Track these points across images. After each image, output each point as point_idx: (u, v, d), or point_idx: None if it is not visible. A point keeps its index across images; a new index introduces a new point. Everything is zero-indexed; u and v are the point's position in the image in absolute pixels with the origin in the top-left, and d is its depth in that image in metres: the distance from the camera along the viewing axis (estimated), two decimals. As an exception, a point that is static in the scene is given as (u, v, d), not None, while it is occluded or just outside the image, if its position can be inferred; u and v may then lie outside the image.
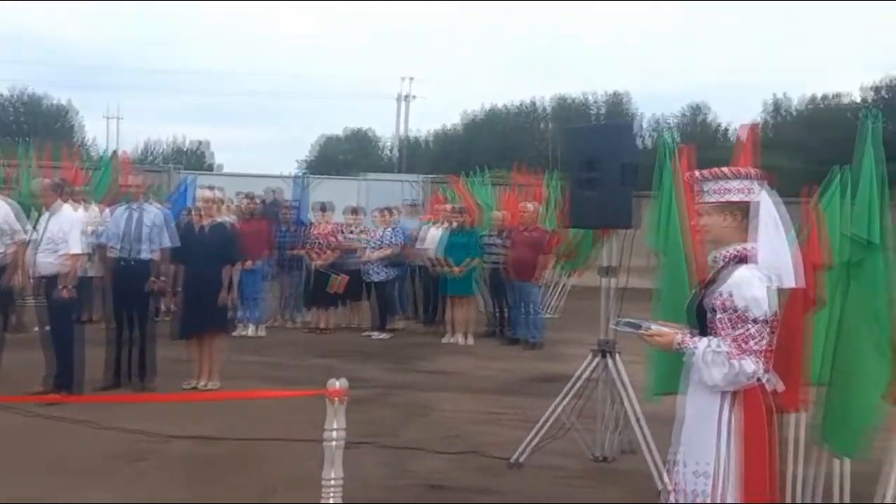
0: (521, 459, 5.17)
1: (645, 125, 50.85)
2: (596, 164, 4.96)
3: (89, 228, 9.35)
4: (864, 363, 3.46)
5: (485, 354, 9.28)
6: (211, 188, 7.20)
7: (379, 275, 10.14)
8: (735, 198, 2.80)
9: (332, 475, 3.28)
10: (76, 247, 6.34)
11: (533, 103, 54.04)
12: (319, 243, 10.24)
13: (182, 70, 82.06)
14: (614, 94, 52.37)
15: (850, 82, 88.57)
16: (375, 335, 10.09)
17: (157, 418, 5.67)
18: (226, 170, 36.60)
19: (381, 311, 10.30)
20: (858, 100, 45.03)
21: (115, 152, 13.19)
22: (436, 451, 5.44)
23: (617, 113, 49.72)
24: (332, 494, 3.29)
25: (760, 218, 2.72)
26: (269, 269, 10.55)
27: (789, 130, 37.97)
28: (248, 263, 8.82)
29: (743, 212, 2.79)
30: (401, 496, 4.63)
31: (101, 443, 5.31)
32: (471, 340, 9.89)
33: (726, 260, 2.82)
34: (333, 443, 3.30)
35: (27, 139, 26.76)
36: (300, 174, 21.70)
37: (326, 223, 10.50)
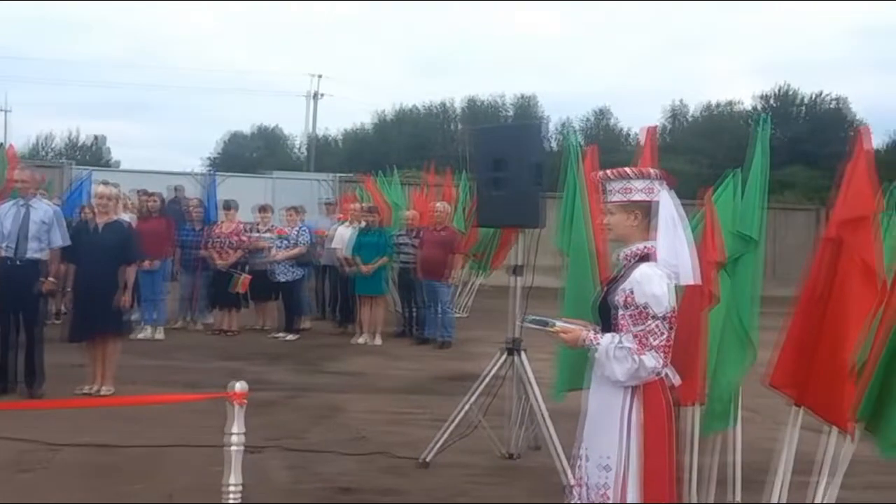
0: (430, 458, 5.16)
1: (552, 128, 52.02)
2: (505, 164, 5.00)
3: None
4: (727, 348, 3.65)
5: (394, 354, 9.24)
6: (106, 184, 6.84)
7: (286, 275, 9.93)
8: (638, 197, 2.87)
9: (232, 480, 3.16)
10: None
11: (444, 104, 54.37)
12: (223, 242, 9.94)
13: (76, 61, 78.09)
14: (522, 96, 53.36)
15: (743, 90, 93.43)
16: (283, 336, 9.88)
17: (47, 426, 5.35)
18: (124, 166, 35.13)
19: (288, 311, 10.10)
20: (749, 108, 47.68)
21: (0, 145, 12.41)
22: (343, 452, 5.37)
23: (526, 115, 50.63)
24: (230, 499, 3.17)
25: (661, 217, 2.81)
26: (171, 270, 10.19)
27: (686, 136, 39.67)
28: (147, 264, 8.47)
29: (645, 211, 2.87)
30: (307, 499, 4.53)
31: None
32: (380, 340, 9.83)
33: (629, 258, 2.90)
34: (234, 447, 3.18)
35: None
36: (204, 172, 21.06)
37: (230, 222, 10.20)
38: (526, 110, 51.31)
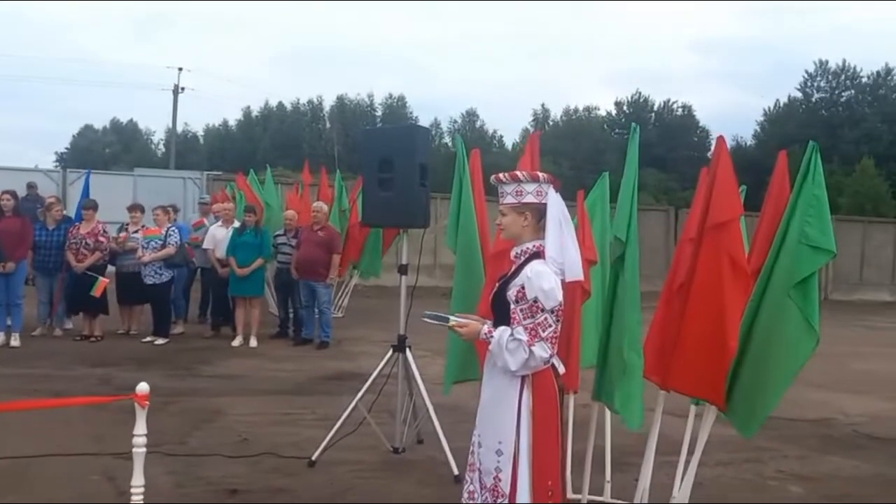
0: (317, 457, 5.20)
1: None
2: (391, 165, 5.13)
3: None
4: (625, 342, 3.95)
5: (274, 356, 9.13)
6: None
7: (156, 277, 9.54)
8: (529, 199, 3.10)
9: (136, 482, 3.12)
10: None
11: (312, 102, 53.75)
12: (80, 244, 9.40)
13: None
14: (391, 97, 53.66)
15: (601, 98, 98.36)
16: (153, 340, 9.51)
17: None
18: (-39, 160, 32.32)
19: (158, 315, 9.71)
20: (604, 113, 50.47)
21: None
22: (228, 455, 5.30)
23: (395, 115, 51.02)
24: (134, 500, 3.13)
25: (549, 218, 3.04)
26: (24, 273, 9.54)
27: (549, 139, 41.40)
28: (1, 266, 7.93)
29: (536, 212, 3.10)
30: (196, 502, 4.46)
31: None
32: (256, 342, 9.67)
33: (521, 256, 3.12)
34: (137, 449, 3.14)
35: None
36: (60, 168, 19.75)
37: (89, 222, 9.65)
38: (395, 110, 51.71)
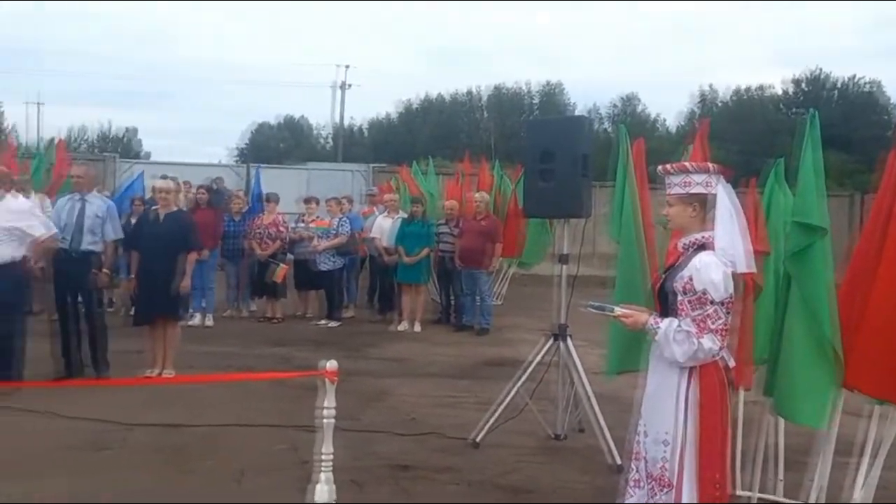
0: (479, 439, 5.39)
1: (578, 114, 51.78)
2: (552, 156, 5.20)
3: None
4: (805, 349, 3.71)
5: (436, 340, 9.48)
6: (164, 178, 7.15)
7: (328, 264, 10.20)
8: (696, 190, 3.07)
9: (325, 450, 3.45)
10: (39, 229, 6.27)
11: (469, 92, 54.31)
12: (263, 233, 10.24)
13: (100, 53, 79.34)
14: (548, 84, 53.13)
15: (772, 76, 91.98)
16: (326, 323, 10.17)
17: (118, 407, 5.67)
18: (155, 157, 35.72)
19: (330, 299, 10.37)
20: (780, 92, 47.02)
21: (51, 140, 12.82)
22: (397, 433, 5.61)
23: (552, 103, 50.55)
24: (323, 468, 3.46)
25: (718, 209, 3.00)
26: (217, 260, 10.50)
27: (715, 121, 39.34)
28: (202, 253, 8.77)
29: (703, 203, 3.07)
30: (369, 476, 4.78)
31: (59, 432, 5.27)
32: (419, 327, 10.07)
33: (688, 247, 3.09)
34: (325, 420, 3.46)
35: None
36: (240, 163, 21.38)
37: (270, 214, 10.50)
38: (552, 98, 51.23)
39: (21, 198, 6.83)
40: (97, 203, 6.82)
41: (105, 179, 14.82)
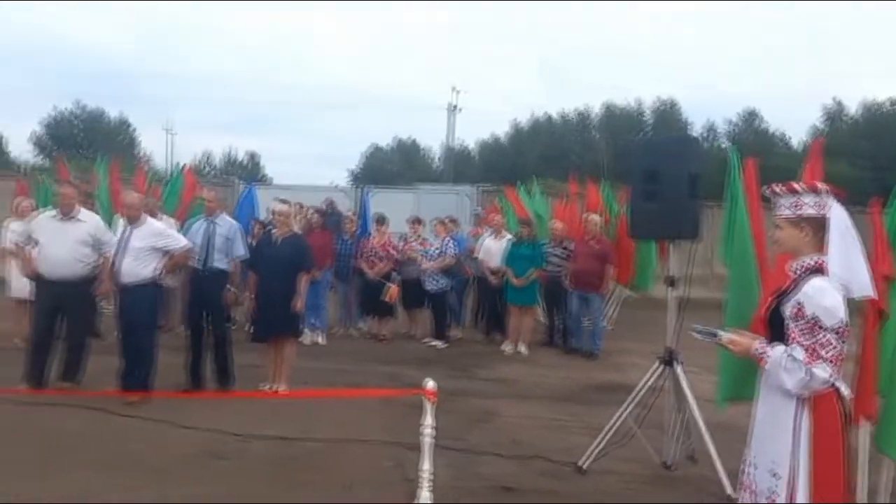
0: (586, 464, 5.31)
1: (696, 133, 50.28)
2: (658, 176, 5.10)
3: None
4: None
5: (543, 363, 9.42)
6: (284, 201, 7.52)
7: (435, 284, 10.37)
8: (808, 212, 2.95)
9: (426, 466, 3.52)
10: (180, 241, 6.83)
11: (580, 112, 53.81)
12: (374, 254, 10.53)
13: (227, 81, 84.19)
14: (662, 101, 51.88)
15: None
16: (433, 343, 10.32)
17: (236, 419, 6.01)
18: (277, 181, 37.38)
19: (438, 319, 10.52)
20: (917, 105, 43.75)
21: (183, 166, 13.71)
22: (501, 455, 5.62)
23: (666, 121, 49.28)
24: (425, 484, 3.53)
25: (832, 232, 2.87)
26: (329, 279, 10.86)
27: (845, 137, 37.17)
28: (315, 274, 9.12)
29: (816, 225, 2.94)
30: (474, 496, 4.81)
31: (182, 441, 5.62)
32: (526, 350, 10.03)
33: (801, 271, 2.97)
34: (427, 438, 3.54)
35: (95, 154, 27.74)
36: (353, 186, 22.06)
37: (381, 235, 10.79)
38: (666, 115, 49.96)
39: (158, 220, 7.38)
40: (226, 224, 7.26)
41: (230, 202, 15.66)
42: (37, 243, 6.89)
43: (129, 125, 54.54)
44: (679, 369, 5.27)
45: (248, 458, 5.37)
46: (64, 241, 6.79)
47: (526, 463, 5.48)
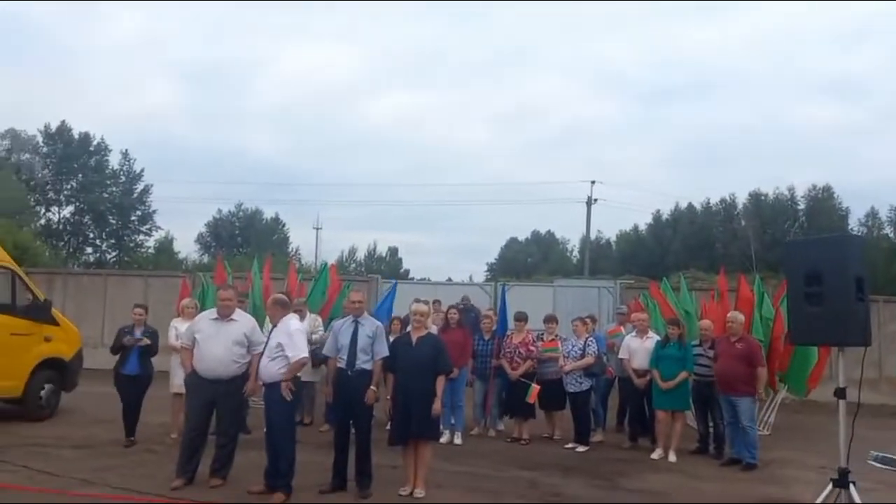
0: None
1: (854, 222, 47.33)
2: (820, 278, 4.75)
3: (313, 336, 10.23)
4: None
5: (694, 473, 8.73)
6: (421, 301, 7.60)
7: (577, 385, 10.03)
8: None
9: None
10: (302, 352, 6.97)
11: (724, 200, 52.13)
12: (514, 352, 10.38)
13: (370, 182, 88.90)
14: (815, 188, 49.34)
15: None
16: (574, 447, 9.90)
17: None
18: (413, 274, 38.46)
19: (579, 422, 10.12)
20: None
21: (325, 265, 14.38)
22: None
23: (821, 208, 46.75)
24: None
25: None
26: (465, 377, 10.78)
27: None
28: (453, 372, 9.08)
29: None
30: None
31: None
32: (674, 457, 9.39)
33: None
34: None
35: (249, 251, 29.82)
36: (491, 281, 22.19)
37: (520, 333, 10.62)
38: (820, 203, 47.40)
39: (296, 319, 7.63)
40: (369, 324, 7.40)
41: (370, 298, 16.16)
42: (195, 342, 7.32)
43: (282, 224, 58.52)
44: (854, 491, 4.71)
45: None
46: (220, 341, 7.17)
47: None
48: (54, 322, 11.30)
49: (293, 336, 7.00)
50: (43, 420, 10.73)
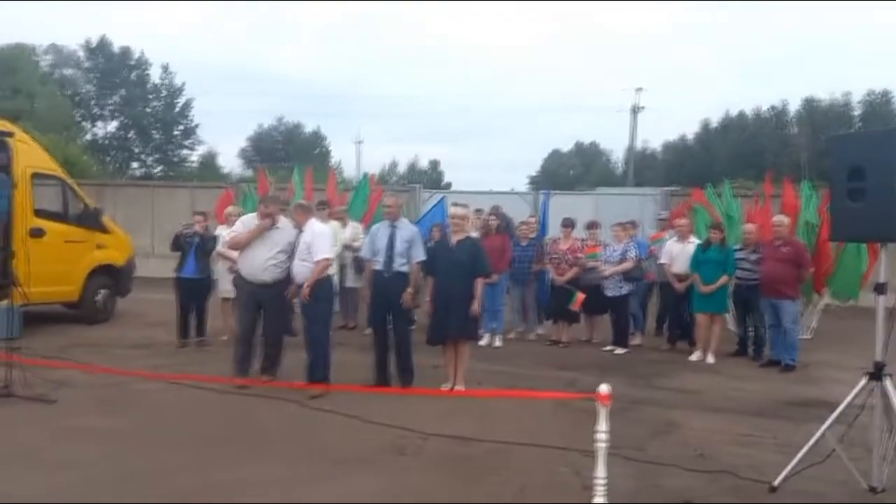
0: (778, 483, 4.91)
1: (913, 125, 45.28)
2: (863, 173, 4.64)
3: (354, 244, 10.44)
4: None
5: (732, 374, 8.85)
6: (459, 205, 7.66)
7: (616, 290, 10.10)
8: None
9: (600, 473, 3.43)
10: (324, 252, 7.16)
11: (775, 108, 50.23)
12: (561, 259, 10.42)
13: (413, 95, 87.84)
14: (872, 93, 47.13)
15: None
16: (613, 350, 10.05)
17: (416, 417, 6.23)
18: (455, 187, 38.34)
19: (618, 326, 10.24)
20: None
21: (366, 175, 14.46)
22: (685, 468, 5.34)
23: (879, 114, 44.79)
24: (598, 491, 3.44)
25: None
26: (505, 283, 10.92)
27: None
28: (492, 277, 9.21)
29: None
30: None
31: (366, 435, 5.89)
32: (713, 359, 9.48)
33: None
34: (601, 444, 3.44)
35: (291, 164, 30.11)
36: (531, 191, 22.06)
37: (567, 239, 10.63)
38: (878, 108, 45.38)
39: (319, 222, 7.71)
40: (407, 229, 7.52)
41: (411, 207, 16.27)
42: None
43: (323, 138, 58.60)
44: (889, 384, 4.74)
45: (426, 455, 5.51)
46: (264, 246, 7.37)
47: (712, 478, 5.15)
48: (106, 230, 11.70)
49: (316, 238, 7.21)
50: (100, 323, 11.31)
